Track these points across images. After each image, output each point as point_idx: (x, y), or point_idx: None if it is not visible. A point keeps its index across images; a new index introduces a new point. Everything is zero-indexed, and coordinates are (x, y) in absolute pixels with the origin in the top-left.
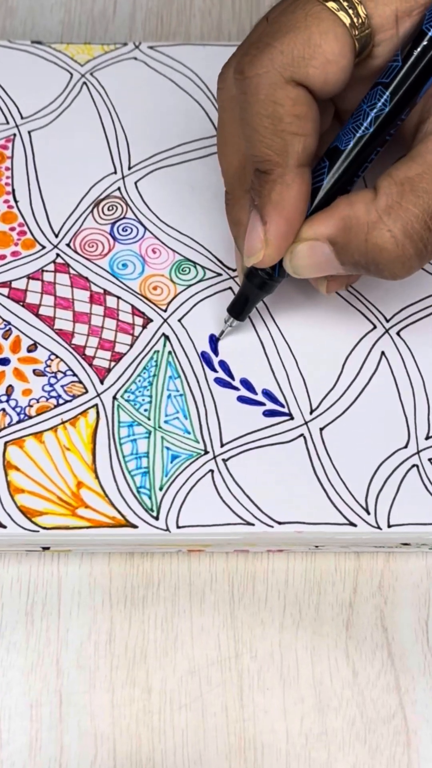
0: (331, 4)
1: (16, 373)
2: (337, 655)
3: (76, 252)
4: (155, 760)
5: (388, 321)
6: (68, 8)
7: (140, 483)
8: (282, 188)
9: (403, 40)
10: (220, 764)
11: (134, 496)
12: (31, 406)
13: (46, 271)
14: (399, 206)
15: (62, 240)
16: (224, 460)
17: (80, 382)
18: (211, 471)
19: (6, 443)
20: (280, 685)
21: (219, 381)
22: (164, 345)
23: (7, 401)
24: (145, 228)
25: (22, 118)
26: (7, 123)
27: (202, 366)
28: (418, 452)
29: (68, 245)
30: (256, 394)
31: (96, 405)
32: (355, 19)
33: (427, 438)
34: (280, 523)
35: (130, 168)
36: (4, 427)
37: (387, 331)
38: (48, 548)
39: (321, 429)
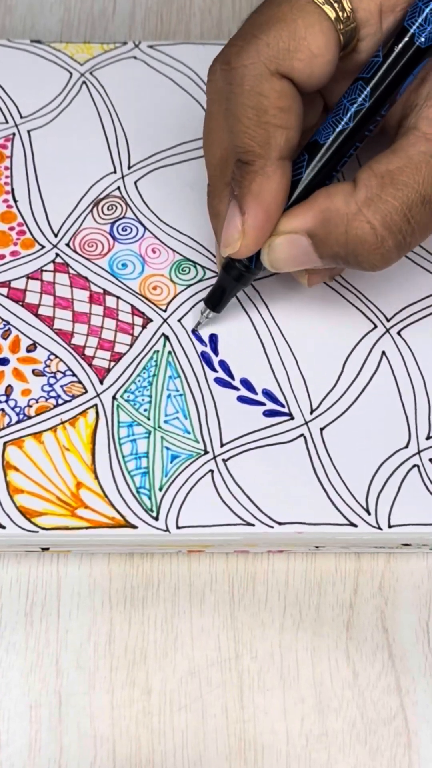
0: None
1: (16, 373)
2: (337, 656)
3: (75, 252)
4: (155, 762)
5: (388, 320)
6: (68, 7)
7: (140, 483)
8: (262, 179)
9: (385, 36)
10: (220, 765)
11: (134, 496)
12: (31, 406)
13: (46, 270)
14: (378, 198)
15: (61, 240)
16: (224, 461)
17: (80, 382)
18: (211, 471)
19: (5, 443)
20: (280, 686)
21: (219, 381)
22: (164, 345)
23: (6, 401)
24: (145, 228)
25: (21, 117)
26: (7, 122)
27: (202, 366)
28: (418, 452)
29: (68, 245)
30: (256, 393)
31: (95, 405)
32: (340, 13)
33: (428, 438)
34: (280, 523)
35: (129, 167)
36: (4, 428)
37: (388, 330)
38: (47, 549)
39: (321, 429)
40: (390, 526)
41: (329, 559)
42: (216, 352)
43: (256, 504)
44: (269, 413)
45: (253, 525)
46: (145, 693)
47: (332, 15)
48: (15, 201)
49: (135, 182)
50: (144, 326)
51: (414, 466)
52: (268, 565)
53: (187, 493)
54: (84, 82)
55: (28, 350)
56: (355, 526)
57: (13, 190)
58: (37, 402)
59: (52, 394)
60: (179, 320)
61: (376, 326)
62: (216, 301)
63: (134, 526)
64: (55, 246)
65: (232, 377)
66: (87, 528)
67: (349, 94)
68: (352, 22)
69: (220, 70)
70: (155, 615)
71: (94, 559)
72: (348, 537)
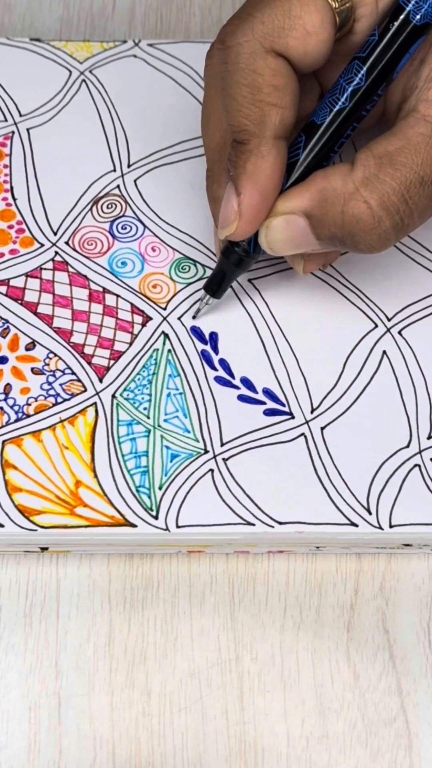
0: None
1: (14, 371)
2: (338, 658)
3: (74, 250)
4: (154, 764)
5: (389, 320)
6: (67, 5)
7: (139, 482)
8: (257, 159)
9: (381, 15)
10: (220, 767)
11: (133, 495)
12: (30, 404)
13: (45, 269)
14: (376, 178)
15: (61, 238)
16: (224, 460)
17: (79, 380)
18: (211, 470)
19: (4, 442)
20: (280, 688)
21: (219, 379)
22: (164, 343)
23: (5, 400)
24: (145, 226)
25: (20, 115)
26: (6, 120)
27: (202, 364)
28: (420, 452)
29: (67, 243)
30: (256, 392)
31: (95, 403)
32: None
33: (429, 438)
34: (280, 523)
35: (129, 166)
36: (2, 426)
37: (389, 330)
38: (46, 549)
39: (322, 428)
40: (391, 526)
41: (330, 559)
42: (216, 351)
43: (257, 503)
44: (270, 412)
45: (253, 524)
46: (144, 694)
47: None
48: (14, 199)
49: (135, 180)
50: (143, 324)
51: (415, 465)
52: (269, 565)
53: (187, 492)
54: (83, 81)
55: (27, 349)
56: (356, 525)
57: (12, 188)
58: (36, 400)
59: (51, 392)
60: (179, 318)
61: (377, 325)
62: (216, 287)
63: (134, 525)
64: (54, 244)
65: (233, 376)
66: (86, 527)
67: (345, 73)
68: (347, 1)
69: (217, 50)
70: (155, 616)
71: (94, 559)
72: (349, 537)
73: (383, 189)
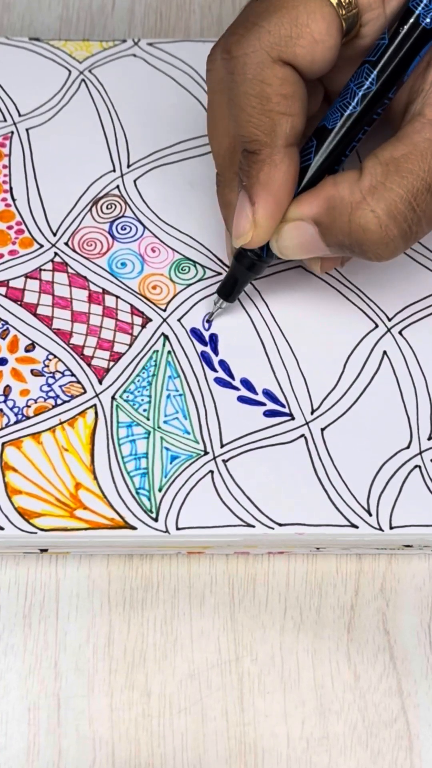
0: None
1: (14, 373)
2: (338, 659)
3: (74, 251)
4: (154, 765)
5: (390, 320)
6: (66, 4)
7: (139, 484)
8: (270, 168)
9: (390, 19)
10: None
11: (133, 497)
12: (29, 406)
13: (44, 270)
14: (383, 186)
15: (60, 239)
16: (224, 461)
17: (78, 382)
18: (211, 472)
19: (3, 444)
20: (280, 689)
21: (219, 381)
22: (163, 344)
23: (5, 401)
24: (145, 227)
25: (19, 115)
26: (5, 120)
27: (202, 366)
28: (420, 453)
29: (66, 244)
30: (256, 394)
31: (94, 405)
32: None
33: (430, 439)
34: (280, 524)
35: (129, 166)
36: (2, 428)
37: (389, 330)
38: (46, 550)
39: (322, 429)
40: (391, 528)
41: (330, 560)
42: (216, 352)
43: (257, 505)
44: (270, 413)
45: (253, 526)
46: (144, 695)
47: (334, 1)
48: (13, 200)
49: (134, 181)
50: (143, 326)
51: (416, 466)
52: (269, 566)
53: (187, 494)
54: (83, 80)
55: (27, 350)
56: (356, 527)
57: (11, 188)
58: (35, 402)
59: (51, 394)
60: (179, 320)
61: (377, 326)
62: (229, 291)
63: (133, 527)
64: (53, 245)
65: (233, 377)
66: (86, 529)
67: (356, 77)
68: (354, 7)
69: (221, 60)
70: (155, 617)
71: (93, 560)
72: (349, 538)
73: (390, 197)
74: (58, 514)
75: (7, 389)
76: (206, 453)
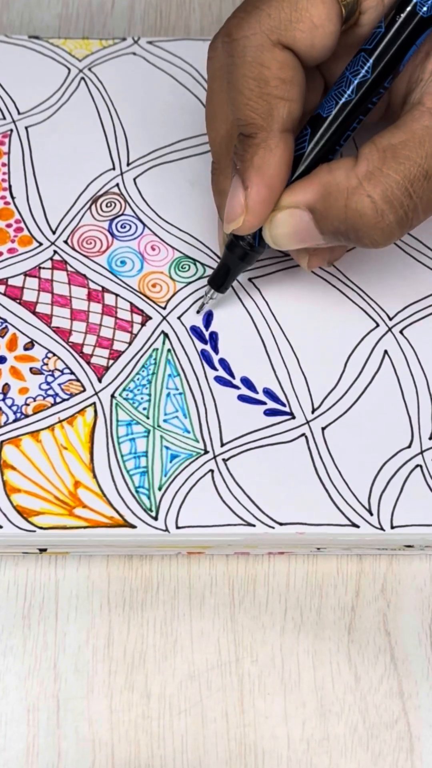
0: None
1: (13, 371)
2: (339, 660)
3: (73, 249)
4: (154, 766)
5: (391, 319)
6: (66, 2)
7: (139, 482)
8: (265, 152)
9: (388, 7)
10: None
11: (133, 495)
12: (28, 404)
13: (44, 268)
14: (379, 172)
15: (60, 237)
16: (224, 460)
17: (78, 380)
18: (211, 471)
19: (2, 442)
20: (281, 690)
21: (219, 379)
22: (163, 343)
23: (3, 400)
24: (144, 225)
25: (19, 113)
26: (4, 118)
27: (202, 364)
28: (421, 452)
29: (66, 242)
30: (257, 392)
31: (94, 403)
32: None
33: (431, 438)
34: (281, 524)
35: (128, 164)
36: (1, 426)
37: (390, 329)
38: (45, 550)
39: (323, 428)
40: (392, 527)
41: (331, 561)
42: (216, 350)
43: (257, 504)
44: (270, 412)
45: (253, 525)
46: (144, 697)
47: None
48: (12, 197)
49: (134, 179)
50: (143, 324)
51: (417, 466)
52: (269, 567)
53: (187, 493)
54: (82, 78)
55: (26, 348)
56: (357, 526)
57: (10, 186)
58: (34, 400)
59: (50, 392)
60: (179, 318)
61: (378, 325)
62: (220, 281)
63: (133, 526)
64: (53, 243)
65: (233, 376)
66: (85, 527)
67: (351, 66)
68: None
69: (222, 44)
70: (154, 618)
71: (93, 561)
72: (350, 538)
73: (387, 183)
74: (57, 513)
75: (6, 387)
76: (206, 452)
